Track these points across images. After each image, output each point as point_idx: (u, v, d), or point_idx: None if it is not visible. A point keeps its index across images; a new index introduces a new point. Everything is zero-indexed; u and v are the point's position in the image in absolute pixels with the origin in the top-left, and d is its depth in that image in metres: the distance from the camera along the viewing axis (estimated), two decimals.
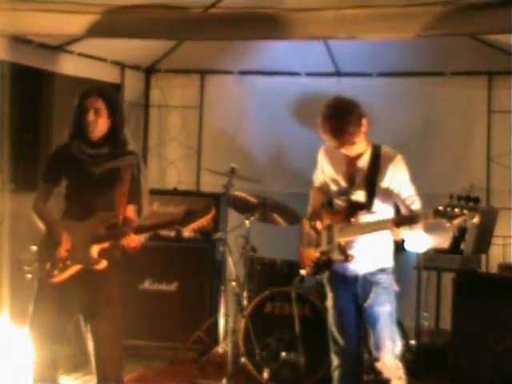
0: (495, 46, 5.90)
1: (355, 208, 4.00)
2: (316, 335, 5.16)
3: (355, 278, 4.08)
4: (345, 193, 4.08)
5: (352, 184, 4.05)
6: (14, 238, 5.42)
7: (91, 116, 3.89)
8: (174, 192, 6.58)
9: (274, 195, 5.90)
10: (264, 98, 6.99)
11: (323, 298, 5.41)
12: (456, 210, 3.47)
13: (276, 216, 5.71)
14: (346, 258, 4.01)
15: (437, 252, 5.85)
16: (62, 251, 3.88)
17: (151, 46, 6.51)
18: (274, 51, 6.56)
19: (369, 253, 4.04)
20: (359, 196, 4.03)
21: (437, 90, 6.54)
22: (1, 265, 5.33)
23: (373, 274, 4.06)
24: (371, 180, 3.97)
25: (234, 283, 5.51)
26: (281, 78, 7.00)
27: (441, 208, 3.53)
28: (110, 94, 4.04)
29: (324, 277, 4.22)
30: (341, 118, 3.89)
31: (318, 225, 4.13)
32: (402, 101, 6.58)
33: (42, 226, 4.01)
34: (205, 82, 7.18)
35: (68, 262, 3.89)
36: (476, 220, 3.43)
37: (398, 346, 4.05)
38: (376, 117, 6.27)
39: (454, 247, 5.77)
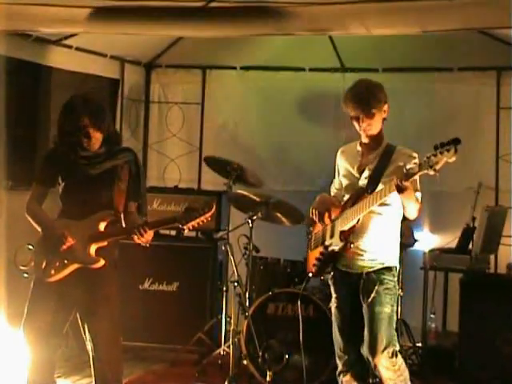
0: (504, 40, 5.84)
1: (357, 194, 4.02)
2: (320, 337, 5.03)
3: (359, 276, 4.04)
4: (354, 183, 4.12)
5: (361, 174, 4.09)
6: (10, 236, 5.40)
7: (91, 135, 3.88)
8: (175, 190, 6.55)
9: (275, 193, 5.87)
10: (267, 93, 6.97)
11: (327, 298, 5.41)
12: (435, 156, 3.49)
13: (279, 215, 5.67)
14: (346, 244, 3.99)
15: (444, 252, 5.82)
16: (68, 245, 3.84)
17: (151, 41, 6.51)
18: (278, 46, 6.53)
19: (374, 248, 4.02)
20: (364, 185, 4.07)
21: (444, 85, 6.51)
22: None
23: (377, 272, 4.03)
24: (378, 169, 4.01)
25: (235, 284, 5.43)
26: (284, 73, 6.96)
27: (424, 159, 3.54)
28: (96, 105, 3.95)
29: (329, 277, 4.22)
30: (366, 88, 4.03)
31: (326, 217, 4.13)
32: (408, 97, 6.52)
33: (37, 227, 3.99)
34: (206, 78, 7.15)
35: (65, 261, 3.87)
36: (453, 158, 3.44)
37: (397, 346, 4.02)
38: None
39: (462, 247, 5.78)
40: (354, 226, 4.00)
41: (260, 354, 5.15)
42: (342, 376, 4.16)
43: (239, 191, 5.62)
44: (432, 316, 6.07)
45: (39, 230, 3.98)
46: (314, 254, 4.21)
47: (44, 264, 3.88)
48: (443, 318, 6.14)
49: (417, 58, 6.47)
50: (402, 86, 6.45)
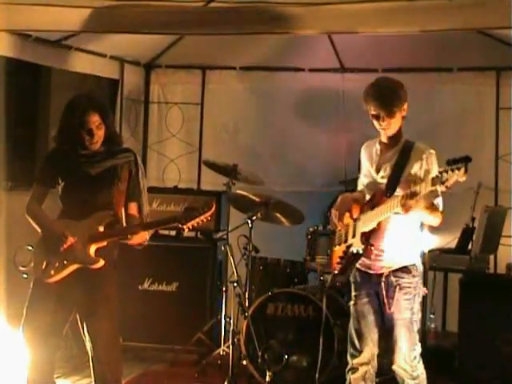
0: (504, 41, 5.84)
1: (377, 196, 4.02)
2: (319, 337, 5.11)
3: (379, 277, 4.06)
4: (372, 182, 4.13)
5: (378, 172, 4.10)
6: (10, 236, 5.40)
7: (94, 133, 3.91)
8: (175, 190, 6.55)
9: (275, 193, 5.87)
10: (266, 94, 6.97)
11: (328, 298, 5.42)
12: (446, 173, 3.51)
13: (279, 215, 5.68)
14: (366, 247, 3.98)
15: (444, 252, 5.82)
16: (68, 245, 3.85)
17: (151, 41, 6.49)
18: (277, 46, 6.51)
19: (393, 249, 4.03)
20: (384, 185, 4.06)
21: (444, 86, 6.51)
22: None
23: (396, 273, 4.03)
24: (397, 169, 4.00)
25: (235, 284, 5.43)
26: (284, 73, 6.97)
27: (437, 174, 3.56)
28: (101, 103, 4.04)
29: (351, 276, 4.23)
30: (388, 86, 4.02)
31: (346, 217, 4.15)
32: (407, 97, 6.46)
33: (37, 228, 4.00)
34: (206, 78, 7.14)
35: (65, 262, 3.87)
36: (464, 178, 3.47)
37: (417, 350, 4.05)
38: None
39: (462, 247, 5.77)
40: (374, 228, 4.00)
41: (259, 354, 5.14)
42: (350, 373, 4.19)
43: (239, 191, 5.62)
44: (431, 316, 6.06)
45: (39, 230, 3.99)
46: (338, 253, 4.20)
47: (44, 265, 3.89)
48: (443, 318, 6.13)
49: (416, 59, 6.46)
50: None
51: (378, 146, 4.14)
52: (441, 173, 3.52)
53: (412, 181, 3.81)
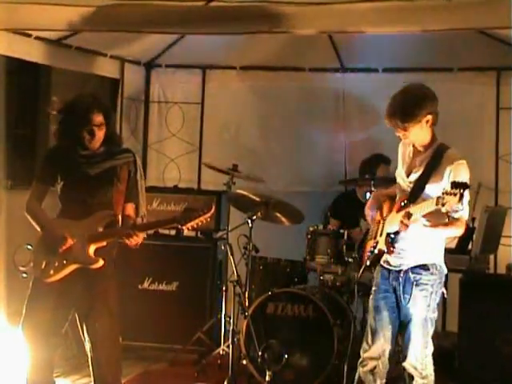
0: (504, 40, 5.84)
1: (403, 201, 4.06)
2: (319, 337, 5.15)
3: (397, 273, 4.11)
4: (402, 184, 4.18)
5: (408, 176, 4.13)
6: (10, 235, 5.41)
7: (95, 133, 3.94)
8: (175, 190, 6.55)
9: (275, 193, 5.86)
10: (266, 93, 6.97)
11: (328, 298, 5.41)
12: (447, 195, 3.60)
13: (279, 215, 5.67)
14: (388, 248, 4.06)
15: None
16: (68, 246, 3.86)
17: (151, 41, 6.47)
18: (277, 46, 6.51)
19: (413, 248, 4.07)
20: (408, 192, 4.12)
21: (444, 85, 6.36)
22: None
23: (415, 270, 4.07)
24: (424, 176, 4.02)
25: (235, 283, 5.43)
26: (284, 73, 6.96)
27: (440, 195, 3.64)
28: (105, 104, 4.09)
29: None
30: (402, 103, 4.01)
31: (378, 215, 4.23)
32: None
33: (37, 226, 4.01)
34: (206, 78, 7.14)
35: (64, 262, 3.89)
36: (458, 205, 3.58)
37: (429, 349, 4.13)
38: (381, 113, 6.22)
39: (462, 247, 5.76)
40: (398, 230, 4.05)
41: (259, 353, 5.12)
42: (360, 366, 4.23)
43: (239, 191, 5.62)
44: None
45: (38, 229, 4.00)
46: (369, 245, 4.27)
47: (43, 264, 3.90)
48: (443, 318, 6.11)
49: (417, 58, 6.45)
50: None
51: (411, 148, 4.16)
52: (443, 193, 3.59)
53: (424, 198, 3.89)
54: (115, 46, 6.45)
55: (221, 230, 6.13)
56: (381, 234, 4.15)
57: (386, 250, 4.07)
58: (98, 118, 3.94)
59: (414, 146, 4.15)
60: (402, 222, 3.89)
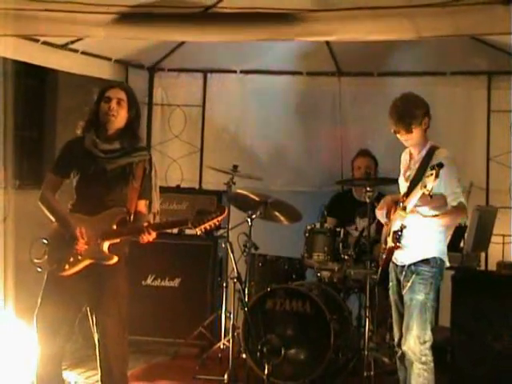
0: (495, 46, 5.92)
1: (403, 200, 4.28)
2: (316, 332, 5.22)
3: (402, 268, 4.36)
4: (402, 187, 4.42)
5: (406, 180, 4.39)
6: (18, 234, 5.45)
7: (114, 104, 3.94)
8: (177, 189, 6.60)
9: (275, 193, 5.90)
10: (266, 96, 6.99)
11: (325, 294, 5.51)
12: (425, 178, 3.88)
13: (278, 214, 5.72)
14: (394, 244, 4.28)
15: None
16: (81, 245, 3.88)
17: (154, 46, 6.52)
18: (276, 51, 6.59)
19: (415, 244, 4.30)
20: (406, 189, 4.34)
21: (437, 89, 6.52)
22: (5, 261, 5.36)
23: (417, 264, 4.30)
24: (418, 175, 4.24)
25: (235, 280, 5.51)
26: (282, 77, 7.02)
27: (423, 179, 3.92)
28: (131, 89, 4.13)
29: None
30: (405, 106, 4.28)
31: (386, 220, 4.46)
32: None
33: (51, 217, 3.98)
34: (207, 81, 7.17)
35: (79, 257, 3.89)
36: (435, 182, 3.82)
37: (428, 335, 4.29)
38: (376, 116, 6.34)
39: (454, 245, 5.72)
40: (401, 226, 4.25)
41: (258, 347, 5.10)
42: (398, 362, 4.51)
43: (239, 191, 5.67)
44: None
45: (52, 219, 3.97)
46: (381, 247, 4.54)
47: (58, 259, 3.90)
48: (435, 313, 6.11)
49: (411, 63, 6.54)
50: (397, 90, 6.53)
51: (407, 156, 4.45)
52: (423, 177, 3.90)
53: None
54: (120, 51, 6.52)
55: (221, 229, 6.13)
56: (389, 234, 4.36)
57: (394, 246, 4.30)
58: (120, 94, 3.93)
59: (409, 152, 4.41)
60: (400, 214, 4.14)
